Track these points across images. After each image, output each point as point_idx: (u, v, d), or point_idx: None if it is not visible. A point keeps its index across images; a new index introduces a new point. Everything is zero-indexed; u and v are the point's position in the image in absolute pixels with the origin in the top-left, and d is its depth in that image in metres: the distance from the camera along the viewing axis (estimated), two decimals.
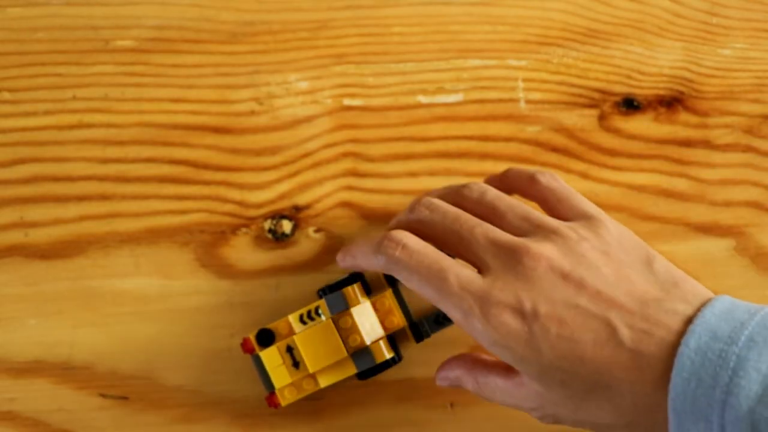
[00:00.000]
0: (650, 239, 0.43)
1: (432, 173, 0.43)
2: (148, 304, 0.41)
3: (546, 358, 0.32)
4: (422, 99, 0.44)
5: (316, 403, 0.41)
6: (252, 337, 0.39)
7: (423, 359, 0.41)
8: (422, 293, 0.35)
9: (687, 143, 0.45)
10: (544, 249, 0.34)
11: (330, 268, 0.42)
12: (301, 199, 0.42)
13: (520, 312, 0.33)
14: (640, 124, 0.44)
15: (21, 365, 0.40)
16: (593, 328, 0.32)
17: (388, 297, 0.40)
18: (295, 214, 0.42)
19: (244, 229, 0.42)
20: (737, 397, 0.29)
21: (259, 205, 0.42)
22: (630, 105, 0.44)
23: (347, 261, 0.39)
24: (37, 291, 0.41)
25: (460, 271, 0.34)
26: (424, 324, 0.40)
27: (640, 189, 0.44)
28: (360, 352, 0.38)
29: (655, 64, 0.45)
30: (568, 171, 0.44)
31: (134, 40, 0.43)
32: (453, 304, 0.34)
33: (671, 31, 0.45)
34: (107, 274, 0.41)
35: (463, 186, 0.38)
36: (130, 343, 0.41)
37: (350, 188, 0.43)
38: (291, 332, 0.39)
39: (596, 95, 0.44)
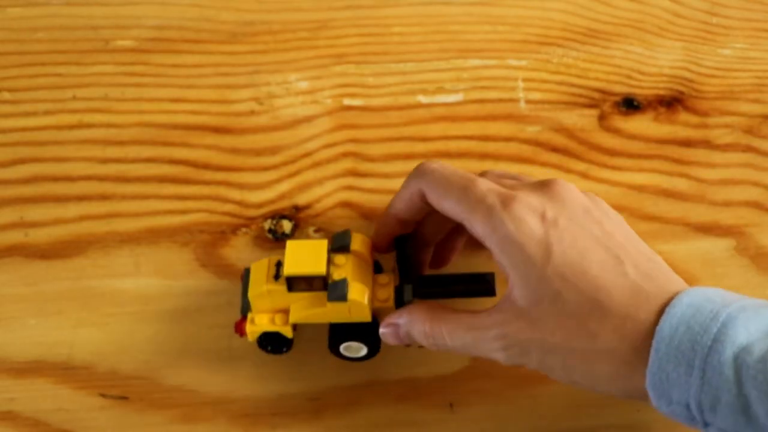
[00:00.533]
0: (650, 239, 0.43)
1: None
2: (148, 304, 0.41)
3: (552, 263, 0.33)
4: (422, 99, 0.44)
5: (316, 403, 0.41)
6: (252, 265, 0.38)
7: (423, 359, 0.41)
8: (447, 202, 0.35)
9: (687, 143, 0.45)
10: (573, 187, 0.35)
11: None
12: (301, 199, 0.42)
13: (541, 216, 0.34)
14: (640, 124, 0.44)
15: (21, 365, 0.40)
16: (602, 255, 0.33)
17: (390, 275, 0.38)
18: (295, 214, 0.42)
19: (244, 229, 0.42)
20: (723, 344, 0.30)
21: (259, 205, 0.42)
22: (630, 105, 0.44)
23: (384, 219, 0.39)
24: (37, 291, 0.41)
25: (486, 181, 0.35)
26: (408, 291, 0.37)
27: (640, 189, 0.44)
28: (336, 282, 0.36)
29: (655, 64, 0.45)
30: (568, 171, 0.44)
31: (134, 40, 0.43)
32: (476, 199, 0.34)
33: (671, 31, 0.45)
34: (107, 274, 0.41)
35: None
36: (130, 343, 0.41)
37: (350, 188, 0.43)
38: None
39: (596, 95, 0.44)
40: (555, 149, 0.44)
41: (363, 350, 0.39)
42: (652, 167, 0.44)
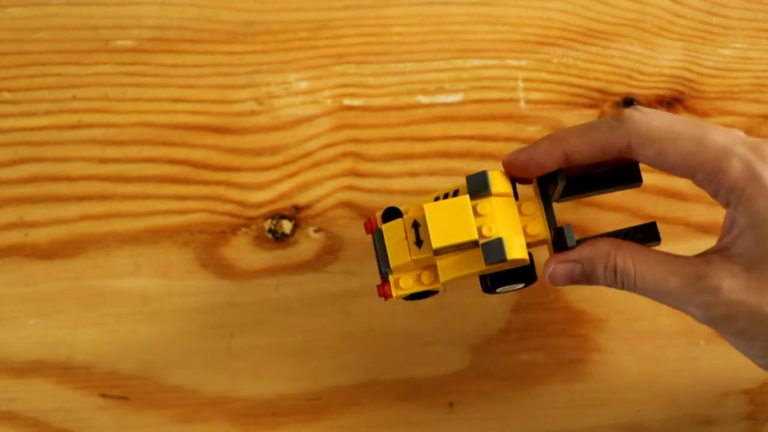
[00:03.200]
0: None
1: (432, 173, 0.43)
2: (148, 304, 0.41)
3: None
4: (422, 99, 0.44)
5: (316, 403, 0.41)
6: (378, 215, 0.35)
7: (423, 359, 0.41)
8: (674, 157, 0.32)
9: None
10: None
11: (330, 268, 0.42)
12: (301, 199, 0.42)
13: None
14: None
15: (21, 365, 0.40)
16: None
17: (535, 203, 0.35)
18: (295, 214, 0.42)
19: (244, 229, 0.42)
20: None
21: (259, 205, 0.42)
22: (630, 105, 0.44)
23: (548, 150, 0.33)
24: (37, 291, 0.41)
25: (720, 126, 0.32)
26: (569, 231, 0.34)
27: (640, 189, 0.44)
28: (491, 243, 0.32)
29: (655, 64, 0.45)
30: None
31: (134, 40, 0.43)
32: (722, 150, 0.31)
33: (671, 31, 0.45)
34: (107, 274, 0.41)
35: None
36: (130, 343, 0.41)
37: (350, 188, 0.43)
38: (421, 214, 0.34)
39: (596, 95, 0.44)
40: None
41: (519, 286, 0.36)
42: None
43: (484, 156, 0.43)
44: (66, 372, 0.40)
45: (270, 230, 0.42)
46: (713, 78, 0.45)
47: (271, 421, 0.41)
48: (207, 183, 0.42)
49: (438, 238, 0.33)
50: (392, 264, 0.34)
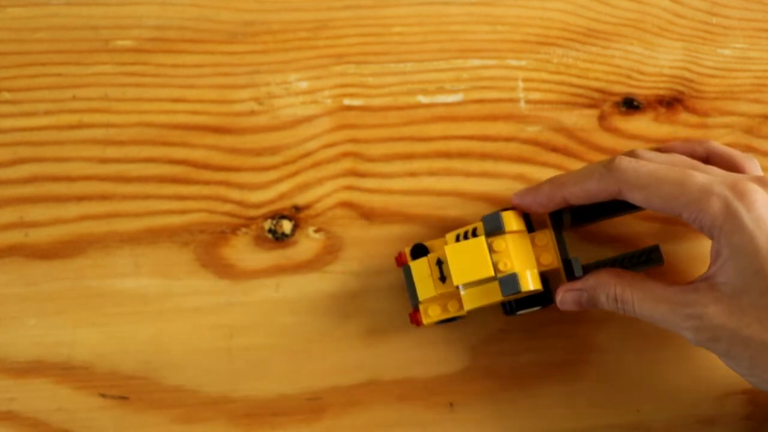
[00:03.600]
0: (650, 239, 0.43)
1: (432, 173, 0.43)
2: (148, 304, 0.41)
3: None
4: (422, 99, 0.44)
5: (316, 403, 0.41)
6: (407, 251, 0.40)
7: (423, 359, 0.41)
8: (659, 200, 0.35)
9: None
10: None
11: (330, 268, 0.42)
12: (301, 199, 0.42)
13: None
14: (640, 124, 0.44)
15: (21, 365, 0.40)
16: None
17: (547, 234, 0.39)
18: (295, 214, 0.42)
19: (244, 229, 0.42)
20: None
21: (259, 205, 0.42)
22: (630, 105, 0.44)
23: (549, 195, 0.39)
24: (37, 291, 0.41)
25: (700, 172, 0.35)
26: (576, 263, 0.39)
27: None
28: (507, 277, 0.37)
29: (655, 64, 0.45)
30: (568, 171, 0.44)
31: (134, 40, 0.43)
32: (702, 191, 0.34)
33: (671, 31, 0.45)
34: (107, 274, 0.41)
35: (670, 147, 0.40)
36: (130, 343, 0.41)
37: (350, 188, 0.43)
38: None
39: (596, 95, 0.44)
40: (555, 149, 0.44)
41: (537, 308, 0.40)
42: None
43: (484, 156, 0.43)
44: (66, 372, 0.40)
45: (270, 230, 0.42)
46: (713, 78, 0.45)
47: (271, 421, 0.41)
48: (207, 183, 0.42)
49: (458, 276, 0.38)
50: (420, 297, 0.39)
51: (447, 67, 0.44)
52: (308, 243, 0.42)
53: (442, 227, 0.42)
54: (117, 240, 0.42)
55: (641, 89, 0.45)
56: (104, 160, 0.42)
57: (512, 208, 0.40)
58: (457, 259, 0.38)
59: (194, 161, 0.42)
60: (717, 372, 0.41)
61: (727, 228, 0.34)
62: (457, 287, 0.38)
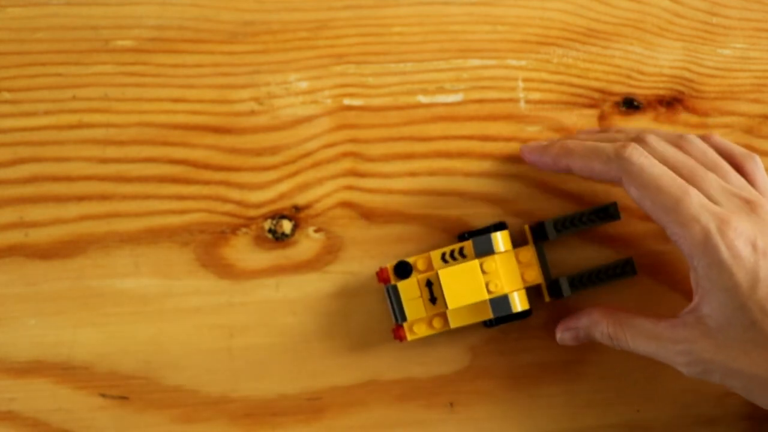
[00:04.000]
0: (650, 239, 0.43)
1: (432, 173, 0.43)
2: (148, 304, 0.41)
3: (757, 295, 0.34)
4: (422, 99, 0.44)
5: (316, 403, 0.41)
6: (389, 267, 0.40)
7: (423, 359, 0.41)
8: (652, 206, 0.36)
9: None
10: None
11: (330, 268, 0.42)
12: (301, 199, 0.42)
13: (753, 244, 0.34)
14: (640, 124, 0.44)
15: (21, 365, 0.40)
16: None
17: (530, 251, 0.40)
18: (295, 214, 0.42)
19: (244, 229, 0.42)
20: None
21: (259, 205, 0.42)
22: (630, 105, 0.44)
23: (549, 157, 0.39)
24: (37, 291, 0.41)
25: (699, 193, 0.36)
26: (564, 283, 0.40)
27: None
28: (498, 299, 0.39)
29: (655, 64, 0.45)
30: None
31: (134, 40, 0.43)
32: (691, 216, 0.35)
33: (671, 31, 0.45)
34: (107, 274, 0.41)
35: (681, 137, 0.39)
36: (130, 343, 0.41)
37: (350, 188, 0.43)
38: (430, 268, 0.39)
39: (596, 95, 0.44)
40: None
41: (516, 321, 0.40)
42: None
43: (484, 156, 0.43)
44: (66, 372, 0.40)
45: (270, 230, 0.42)
46: (713, 78, 0.45)
47: (271, 421, 0.41)
48: (207, 183, 0.42)
49: (453, 300, 0.38)
50: (410, 318, 0.39)
51: (447, 67, 0.44)
52: (308, 243, 0.42)
53: (442, 227, 0.42)
54: (117, 240, 0.42)
55: (641, 89, 0.45)
56: (104, 160, 0.42)
57: (501, 223, 0.41)
58: (451, 283, 0.38)
59: (194, 161, 0.42)
60: None
61: (704, 261, 0.35)
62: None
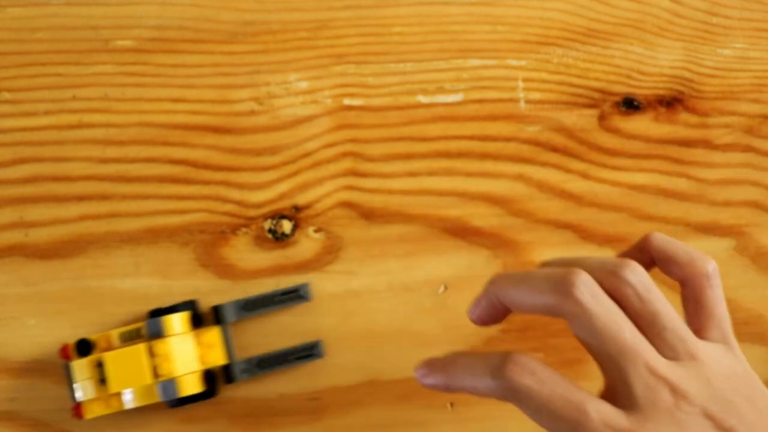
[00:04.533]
0: None
1: (432, 173, 0.43)
2: (148, 304, 0.41)
3: None
4: (422, 99, 0.44)
5: (316, 403, 0.41)
6: (71, 344, 0.39)
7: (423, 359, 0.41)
8: (551, 428, 0.31)
9: (687, 143, 0.45)
10: (698, 393, 0.31)
11: (330, 268, 0.42)
12: (301, 199, 0.42)
13: None
14: (640, 124, 0.44)
15: (21, 365, 0.40)
16: None
17: (213, 331, 0.40)
18: (295, 214, 0.42)
19: (244, 229, 0.42)
20: None
21: (259, 205, 0.42)
22: (630, 105, 0.44)
23: (437, 378, 0.34)
24: (37, 291, 0.41)
25: (600, 405, 0.31)
26: (241, 365, 0.40)
27: (640, 189, 0.44)
28: (166, 383, 0.38)
29: (655, 64, 0.45)
30: (568, 171, 0.44)
31: (134, 40, 0.43)
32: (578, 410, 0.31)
33: (671, 31, 0.45)
34: (107, 274, 0.41)
35: (624, 266, 0.33)
36: None
37: (350, 188, 0.43)
38: (109, 347, 0.38)
39: (596, 95, 0.44)
40: (555, 149, 0.44)
41: (202, 400, 0.39)
42: (652, 167, 0.44)
43: (484, 156, 0.43)
44: (66, 372, 0.40)
45: (270, 230, 0.42)
46: (713, 78, 0.45)
47: (271, 421, 0.41)
48: (207, 183, 0.42)
49: (116, 384, 0.38)
50: (83, 398, 0.38)
51: (447, 67, 0.44)
52: (308, 243, 0.42)
53: (442, 227, 0.42)
54: (117, 240, 0.42)
55: (641, 89, 0.45)
56: (104, 160, 0.42)
57: (190, 301, 0.40)
58: (115, 366, 0.37)
59: (194, 161, 0.42)
60: None
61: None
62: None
